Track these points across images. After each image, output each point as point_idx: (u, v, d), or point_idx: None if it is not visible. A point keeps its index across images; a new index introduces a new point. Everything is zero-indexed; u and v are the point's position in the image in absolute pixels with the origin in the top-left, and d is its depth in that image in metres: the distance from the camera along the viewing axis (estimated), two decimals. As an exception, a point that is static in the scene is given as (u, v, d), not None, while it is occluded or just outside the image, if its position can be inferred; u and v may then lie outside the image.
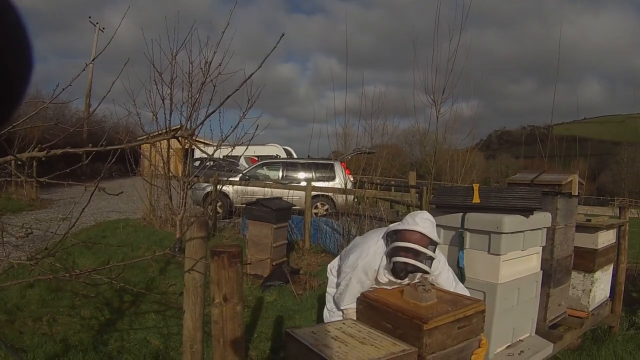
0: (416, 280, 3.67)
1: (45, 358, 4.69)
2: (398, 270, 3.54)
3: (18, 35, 0.59)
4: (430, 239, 3.50)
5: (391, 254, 3.56)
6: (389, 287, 3.76)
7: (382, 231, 3.91)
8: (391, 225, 3.80)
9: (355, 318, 3.74)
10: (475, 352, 3.43)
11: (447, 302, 3.47)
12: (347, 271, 3.80)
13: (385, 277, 3.69)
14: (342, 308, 3.86)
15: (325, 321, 4.05)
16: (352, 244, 4.28)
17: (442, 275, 3.86)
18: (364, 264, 3.72)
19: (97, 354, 4.86)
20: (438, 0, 9.64)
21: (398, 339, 3.20)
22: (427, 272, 3.58)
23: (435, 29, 9.54)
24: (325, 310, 4.24)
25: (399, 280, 3.66)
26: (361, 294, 3.73)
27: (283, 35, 2.02)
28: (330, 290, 4.23)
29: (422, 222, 3.55)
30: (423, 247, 3.45)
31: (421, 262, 3.46)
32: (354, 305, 3.79)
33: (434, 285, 3.70)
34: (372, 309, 3.57)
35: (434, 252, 3.56)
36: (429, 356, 3.09)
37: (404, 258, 3.47)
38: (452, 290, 3.80)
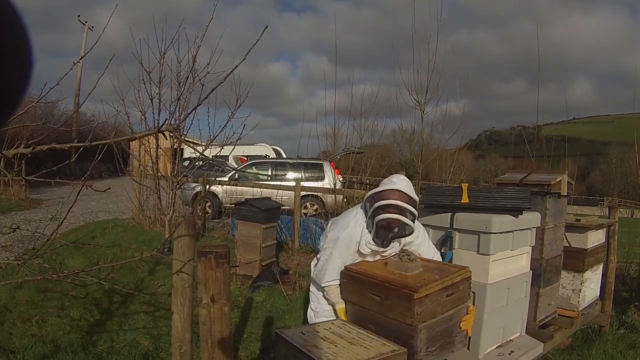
0: (399, 251, 3.66)
1: (34, 359, 4.67)
2: (382, 232, 3.50)
3: (18, 35, 0.59)
4: (410, 197, 3.46)
5: (373, 214, 3.49)
6: (371, 259, 3.74)
7: (360, 206, 3.89)
8: (368, 192, 3.76)
9: (338, 295, 3.72)
10: (464, 319, 3.46)
11: (432, 270, 3.45)
12: (328, 246, 3.74)
13: (367, 247, 3.64)
14: (323, 285, 3.78)
15: (309, 321, 4.00)
16: (330, 222, 4.23)
17: (424, 244, 3.86)
18: (344, 236, 3.67)
19: (86, 355, 4.84)
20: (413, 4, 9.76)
21: (387, 310, 3.25)
22: (411, 231, 3.52)
23: (413, 31, 9.61)
24: (309, 310, 4.17)
25: (382, 249, 3.63)
26: (345, 267, 3.67)
27: (266, 27, 2.00)
28: (313, 288, 4.18)
29: (400, 181, 3.54)
30: (405, 203, 3.42)
31: (405, 217, 3.42)
32: (336, 282, 3.73)
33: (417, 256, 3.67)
34: (357, 281, 3.54)
35: (415, 209, 3.52)
36: (420, 325, 3.08)
37: (387, 214, 3.42)
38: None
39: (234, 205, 10.16)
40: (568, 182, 5.35)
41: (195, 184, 13.93)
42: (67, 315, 5.86)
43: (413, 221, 3.49)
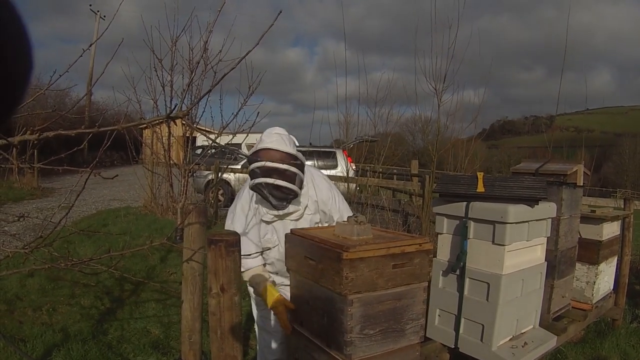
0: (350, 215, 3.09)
1: (44, 347, 4.67)
2: (262, 193, 3.15)
3: (18, 35, 0.57)
4: (281, 151, 3.13)
5: (250, 183, 3.20)
6: (291, 225, 3.35)
7: None
8: None
9: (256, 274, 3.35)
10: None
11: (384, 238, 2.80)
12: (228, 224, 3.45)
13: (268, 214, 3.34)
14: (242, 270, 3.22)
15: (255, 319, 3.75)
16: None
17: (330, 201, 3.50)
18: (238, 207, 3.41)
19: (96, 343, 4.84)
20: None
21: (320, 277, 2.69)
22: (288, 186, 3.11)
23: (433, 15, 9.48)
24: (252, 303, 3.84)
25: (281, 212, 3.32)
26: (290, 230, 3.09)
27: (280, 12, 1.95)
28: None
29: (268, 137, 3.20)
30: (276, 162, 3.09)
31: (279, 179, 3.08)
32: (253, 263, 3.36)
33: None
34: (297, 245, 2.99)
35: (299, 167, 3.19)
36: (352, 296, 2.48)
37: (259, 179, 3.11)
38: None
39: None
40: (584, 172, 5.29)
41: (207, 172, 13.96)
42: (78, 304, 5.87)
43: (291, 177, 3.15)
